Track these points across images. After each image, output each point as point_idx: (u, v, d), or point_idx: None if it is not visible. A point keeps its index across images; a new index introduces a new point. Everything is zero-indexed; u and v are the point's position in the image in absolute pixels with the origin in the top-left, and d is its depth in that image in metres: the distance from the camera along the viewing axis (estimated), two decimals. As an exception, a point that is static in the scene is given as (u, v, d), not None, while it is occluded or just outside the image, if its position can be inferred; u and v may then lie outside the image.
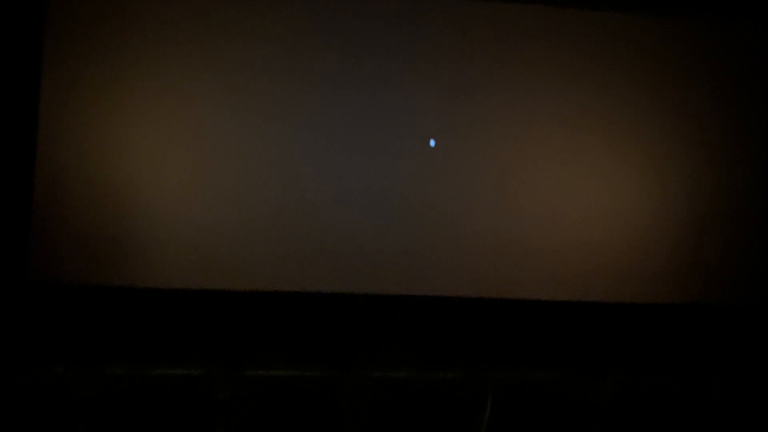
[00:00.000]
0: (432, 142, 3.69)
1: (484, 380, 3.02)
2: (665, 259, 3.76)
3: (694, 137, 3.83)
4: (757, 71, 3.89)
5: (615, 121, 3.79)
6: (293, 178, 3.56)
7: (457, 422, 3.00)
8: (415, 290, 3.61)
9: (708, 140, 3.84)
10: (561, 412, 3.05)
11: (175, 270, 3.44)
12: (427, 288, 3.62)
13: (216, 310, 3.48)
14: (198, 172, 3.48)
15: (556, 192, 3.73)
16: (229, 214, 3.49)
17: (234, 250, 3.49)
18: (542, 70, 3.75)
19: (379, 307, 3.59)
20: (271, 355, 3.44)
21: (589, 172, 3.76)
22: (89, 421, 2.87)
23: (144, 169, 3.43)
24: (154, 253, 3.43)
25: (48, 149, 3.37)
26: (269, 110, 3.55)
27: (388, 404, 3.04)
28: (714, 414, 3.11)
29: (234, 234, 3.49)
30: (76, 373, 2.92)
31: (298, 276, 3.53)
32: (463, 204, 3.67)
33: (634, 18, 3.82)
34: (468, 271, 3.65)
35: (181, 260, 3.45)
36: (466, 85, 3.71)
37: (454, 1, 3.72)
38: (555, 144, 3.75)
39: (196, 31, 3.51)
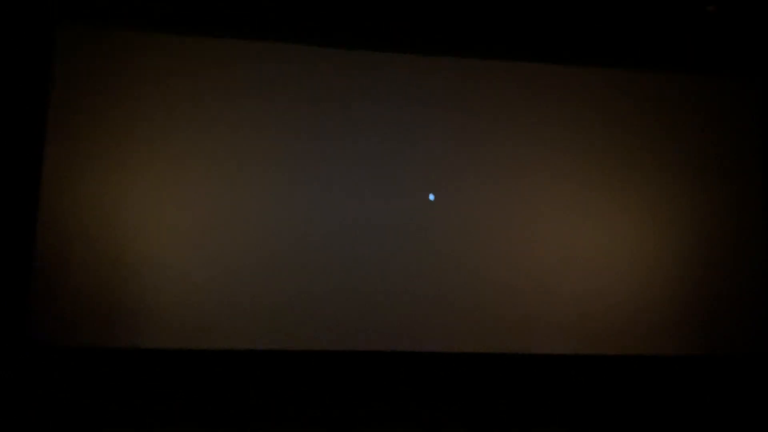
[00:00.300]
0: (431, 196, 3.70)
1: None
2: (665, 310, 3.76)
3: (693, 188, 3.87)
4: (750, 123, 3.94)
5: (614, 174, 3.83)
6: (293, 239, 3.56)
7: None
8: (414, 347, 3.59)
9: (706, 191, 3.88)
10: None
11: (175, 331, 3.42)
12: (427, 344, 3.60)
13: (215, 371, 3.45)
14: (197, 235, 3.48)
15: (556, 244, 3.74)
16: (229, 275, 3.48)
17: (234, 311, 3.48)
18: (542, 124, 3.80)
19: (379, 364, 3.57)
20: (271, 417, 3.41)
21: (590, 224, 3.78)
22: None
23: (143, 232, 3.44)
24: (153, 315, 3.41)
25: (49, 214, 3.38)
26: (269, 168, 3.58)
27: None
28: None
29: (234, 295, 3.48)
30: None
31: (295, 334, 3.52)
32: (464, 258, 3.67)
33: (633, 74, 3.89)
34: (468, 325, 3.64)
35: (181, 321, 3.43)
36: (466, 139, 3.75)
37: (455, 58, 3.77)
38: (555, 196, 3.77)
39: (197, 94, 3.55)
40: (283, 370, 3.51)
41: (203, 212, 3.50)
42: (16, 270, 3.32)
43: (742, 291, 3.82)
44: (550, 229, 3.75)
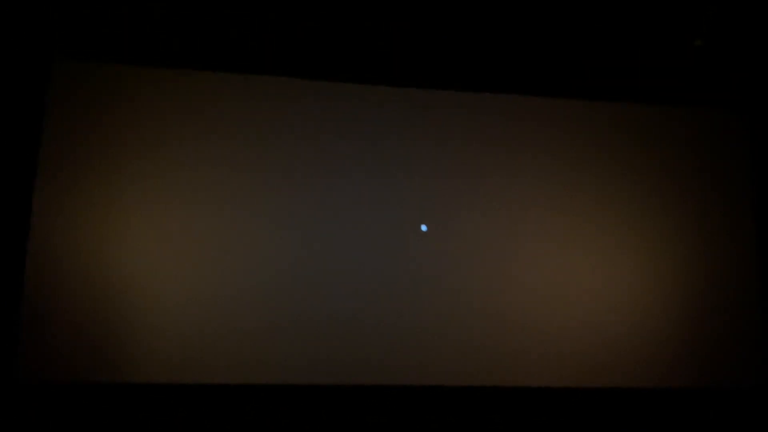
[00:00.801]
0: (424, 228, 3.71)
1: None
2: (661, 342, 3.74)
3: (687, 220, 3.88)
4: (739, 156, 3.99)
5: (607, 207, 3.84)
6: (285, 273, 3.55)
7: None
8: (405, 380, 3.55)
9: (701, 223, 3.89)
10: None
11: (168, 366, 3.38)
12: (418, 377, 3.56)
13: (209, 406, 3.41)
14: (189, 270, 3.46)
15: (551, 278, 3.73)
16: (221, 309, 3.46)
17: (226, 345, 3.44)
18: (535, 156, 3.82)
19: (368, 398, 3.53)
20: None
21: (584, 257, 3.78)
22: None
23: (134, 267, 3.42)
24: (145, 350, 3.37)
25: (39, 250, 3.35)
26: (260, 202, 3.58)
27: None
28: None
29: (226, 329, 3.45)
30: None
31: (290, 369, 3.48)
32: (455, 290, 3.66)
33: (626, 106, 3.93)
34: (460, 358, 3.60)
35: (174, 356, 3.39)
36: (460, 172, 3.77)
37: (447, 91, 3.81)
38: (549, 229, 3.78)
39: (190, 132, 3.57)
40: (275, 405, 3.46)
41: (196, 244, 3.49)
42: (5, 308, 3.28)
43: (737, 324, 3.81)
44: (542, 262, 3.75)
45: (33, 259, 3.33)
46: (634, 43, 3.85)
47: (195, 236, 3.49)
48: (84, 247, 3.39)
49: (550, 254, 3.76)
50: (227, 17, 3.62)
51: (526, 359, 3.65)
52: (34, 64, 3.46)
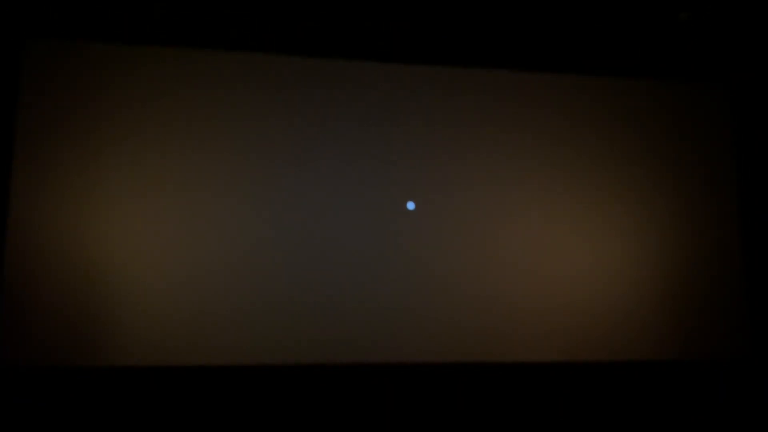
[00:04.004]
0: (411, 205, 3.69)
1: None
2: (646, 316, 3.78)
3: (671, 195, 3.91)
4: (724, 129, 4.01)
5: (596, 183, 3.85)
6: (271, 252, 3.52)
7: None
8: (400, 358, 3.56)
9: (686, 200, 3.91)
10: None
11: (148, 349, 3.35)
12: (413, 355, 3.57)
13: (191, 388, 3.40)
14: (169, 252, 3.42)
15: (539, 253, 3.75)
16: (202, 291, 3.43)
17: (212, 326, 3.41)
18: (524, 133, 3.81)
19: (363, 376, 3.54)
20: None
21: (571, 233, 3.79)
22: None
23: (113, 250, 3.37)
24: (125, 333, 3.34)
25: (18, 232, 3.29)
26: (244, 180, 3.53)
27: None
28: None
29: (208, 311, 3.42)
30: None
31: (273, 348, 3.46)
32: (447, 267, 3.66)
33: (612, 81, 3.92)
34: (451, 335, 3.62)
35: (154, 339, 3.36)
36: (448, 149, 3.75)
37: (436, 66, 3.77)
38: (536, 206, 3.78)
39: (171, 113, 3.50)
40: (262, 385, 3.46)
41: (175, 227, 3.45)
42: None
43: (719, 297, 3.86)
44: (530, 239, 3.76)
45: (11, 244, 3.27)
46: (620, 17, 3.83)
47: (175, 218, 3.44)
48: (63, 231, 3.33)
49: (537, 231, 3.77)
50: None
51: (514, 335, 3.67)
52: (6, 44, 3.36)
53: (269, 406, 3.44)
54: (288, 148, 3.61)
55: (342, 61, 3.71)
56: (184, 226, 3.44)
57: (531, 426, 3.59)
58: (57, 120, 3.39)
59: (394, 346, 3.57)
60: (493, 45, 3.83)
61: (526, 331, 3.68)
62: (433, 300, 3.63)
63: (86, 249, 3.35)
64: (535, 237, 3.76)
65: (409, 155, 3.71)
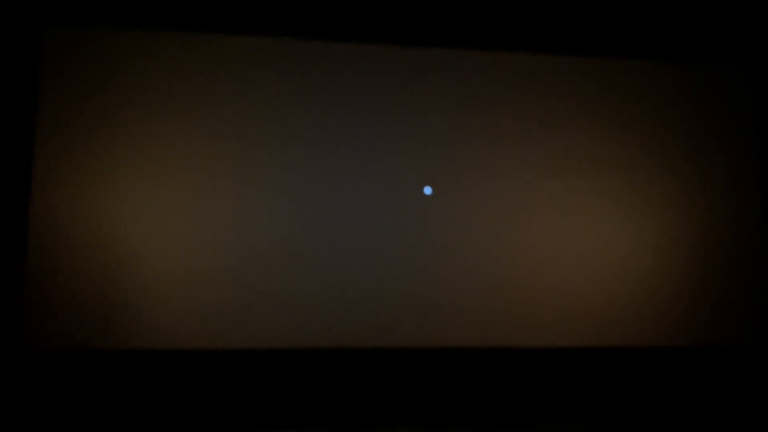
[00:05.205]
0: (428, 190, 3.67)
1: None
2: (664, 303, 3.75)
3: (692, 180, 3.85)
4: (746, 112, 3.92)
5: (616, 168, 3.80)
6: (290, 236, 3.53)
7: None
8: (416, 343, 3.57)
9: (703, 184, 3.85)
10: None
11: (169, 331, 3.39)
12: (429, 340, 3.58)
13: (216, 371, 3.43)
14: (191, 234, 3.45)
15: (555, 239, 3.72)
16: (223, 275, 3.45)
17: (231, 310, 3.44)
18: (542, 116, 3.77)
19: (382, 360, 3.55)
20: (275, 416, 3.38)
21: (587, 219, 3.75)
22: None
23: (135, 235, 3.40)
24: (148, 316, 3.38)
25: (40, 218, 3.33)
26: (263, 165, 3.54)
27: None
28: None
29: (231, 293, 3.45)
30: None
31: (296, 332, 3.49)
32: (464, 252, 3.65)
33: (630, 62, 3.85)
34: (468, 320, 3.61)
35: (175, 322, 3.40)
36: (462, 135, 3.72)
37: (452, 52, 3.74)
38: (552, 191, 3.75)
39: (192, 98, 3.51)
40: (284, 369, 3.48)
41: (196, 211, 3.47)
42: (8, 275, 3.28)
43: (743, 282, 3.81)
44: (549, 222, 3.73)
45: (34, 230, 3.32)
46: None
47: (197, 203, 3.46)
48: (85, 217, 3.37)
49: (555, 217, 3.74)
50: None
51: (530, 322, 3.66)
52: (26, 32, 3.39)
53: (289, 389, 3.46)
54: (307, 132, 3.61)
55: (360, 45, 3.69)
56: (204, 211, 3.46)
57: (549, 411, 3.58)
58: (78, 106, 3.42)
59: (413, 332, 3.57)
60: (513, 27, 3.79)
61: (541, 317, 3.67)
62: (453, 285, 3.62)
63: (108, 235, 3.38)
64: (553, 223, 3.73)
65: (429, 140, 3.69)
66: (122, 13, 3.48)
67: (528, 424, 3.49)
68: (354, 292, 3.55)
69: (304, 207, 3.56)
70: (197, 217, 3.47)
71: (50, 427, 3.21)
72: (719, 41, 3.91)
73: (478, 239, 3.68)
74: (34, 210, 3.33)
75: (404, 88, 3.71)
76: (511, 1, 3.75)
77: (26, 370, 3.26)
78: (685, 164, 3.86)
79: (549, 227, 3.73)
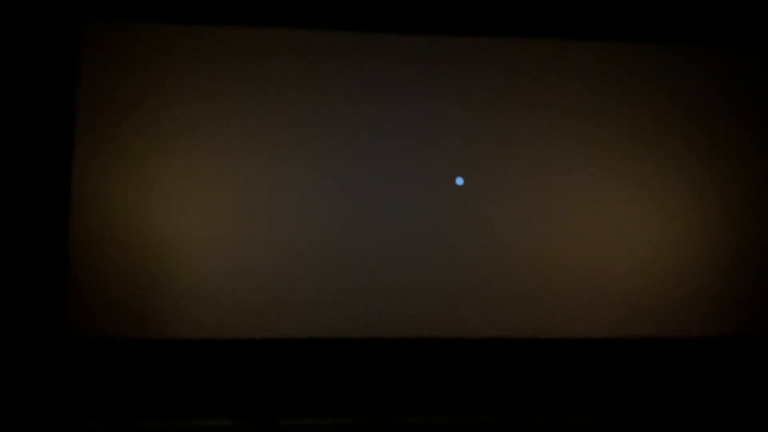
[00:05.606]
0: (459, 180, 3.66)
1: (525, 425, 2.92)
2: (693, 293, 3.62)
3: (719, 169, 3.73)
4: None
5: (646, 155, 3.72)
6: (320, 230, 3.53)
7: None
8: (444, 332, 3.53)
9: (733, 171, 3.73)
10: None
11: (206, 321, 3.41)
12: (457, 330, 3.53)
13: (246, 360, 3.45)
14: (227, 227, 3.46)
15: (583, 229, 3.65)
16: (258, 265, 3.44)
17: (263, 300, 3.45)
18: (573, 106, 3.70)
19: (409, 350, 3.52)
20: (302, 404, 3.39)
21: (617, 209, 3.68)
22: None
23: (176, 225, 3.44)
24: (185, 306, 3.42)
25: (82, 209, 3.40)
26: (295, 158, 3.54)
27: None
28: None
29: (263, 284, 3.46)
30: (109, 428, 2.92)
31: (325, 322, 3.48)
32: (488, 243, 3.61)
33: (654, 50, 3.76)
34: (497, 311, 3.55)
35: (213, 311, 3.41)
36: (490, 125, 3.67)
37: (482, 40, 3.71)
38: (587, 179, 3.68)
39: (231, 91, 3.55)
40: (314, 359, 3.49)
41: (236, 203, 3.48)
42: (51, 268, 3.37)
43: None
44: (580, 212, 3.66)
45: (75, 220, 3.39)
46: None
47: (236, 195, 3.48)
48: (126, 209, 3.43)
49: (588, 205, 3.67)
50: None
51: (559, 313, 3.59)
52: (63, 26, 3.50)
53: (323, 378, 3.46)
54: (339, 123, 3.62)
55: (389, 35, 3.68)
56: (244, 202, 3.49)
57: (582, 400, 3.50)
58: (117, 98, 3.47)
59: (435, 321, 3.53)
60: (539, 12, 3.75)
61: (568, 308, 3.58)
62: (484, 275, 3.57)
63: (149, 223, 3.43)
64: (580, 213, 3.66)
65: (458, 129, 3.67)
66: (159, 6, 3.56)
67: (554, 413, 3.41)
68: (381, 283, 3.52)
69: (335, 198, 3.55)
70: (233, 210, 3.49)
71: (92, 413, 3.27)
72: (740, 24, 3.80)
73: (514, 229, 3.62)
74: (75, 203, 3.41)
75: (436, 79, 3.68)
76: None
77: (69, 359, 3.33)
78: (711, 152, 3.75)
79: (584, 218, 3.66)
